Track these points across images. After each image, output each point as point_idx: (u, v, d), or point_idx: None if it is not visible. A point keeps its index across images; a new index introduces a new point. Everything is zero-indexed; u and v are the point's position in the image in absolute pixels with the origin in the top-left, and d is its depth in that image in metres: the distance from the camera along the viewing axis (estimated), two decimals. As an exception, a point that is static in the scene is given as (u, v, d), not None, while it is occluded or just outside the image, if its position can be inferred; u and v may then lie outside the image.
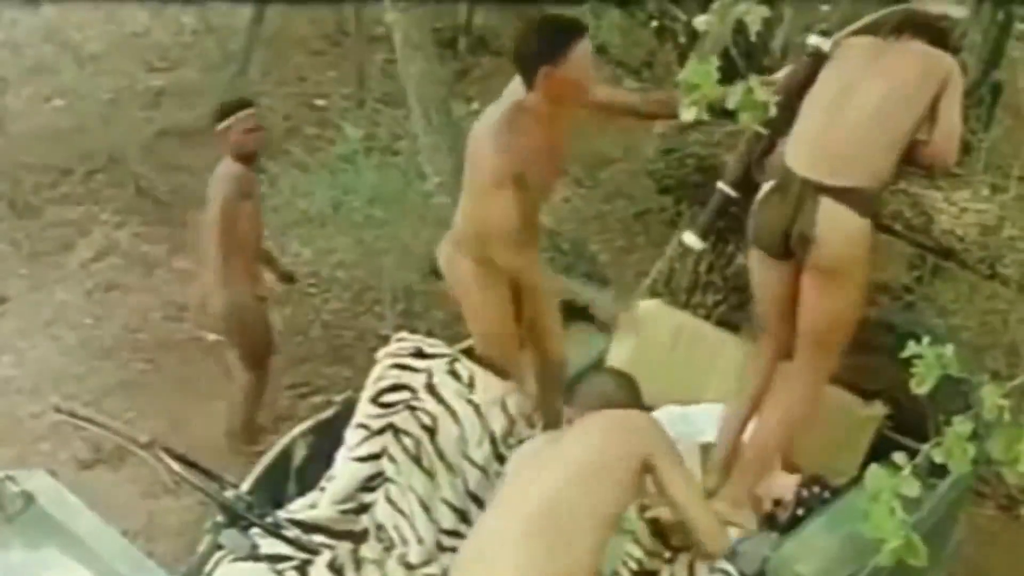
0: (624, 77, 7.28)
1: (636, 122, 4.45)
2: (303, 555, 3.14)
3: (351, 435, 3.51)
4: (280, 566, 3.09)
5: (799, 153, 3.43)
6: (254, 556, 3.03)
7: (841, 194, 3.31)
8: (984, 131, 5.45)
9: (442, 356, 3.62)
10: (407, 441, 3.43)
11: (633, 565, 3.19)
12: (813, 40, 3.51)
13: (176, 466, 2.97)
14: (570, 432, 3.15)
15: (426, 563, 3.33)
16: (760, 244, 3.53)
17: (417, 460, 3.42)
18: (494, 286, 3.52)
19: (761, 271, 3.59)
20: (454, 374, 3.56)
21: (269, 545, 3.08)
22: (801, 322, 3.49)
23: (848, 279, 3.37)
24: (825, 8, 6.59)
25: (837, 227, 3.31)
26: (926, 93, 3.44)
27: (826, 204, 3.31)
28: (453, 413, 3.48)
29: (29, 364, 5.87)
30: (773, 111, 2.50)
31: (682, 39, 5.10)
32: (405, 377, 3.55)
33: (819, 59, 3.57)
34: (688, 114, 2.48)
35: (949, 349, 2.16)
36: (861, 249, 3.36)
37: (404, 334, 3.74)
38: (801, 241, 3.37)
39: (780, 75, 3.71)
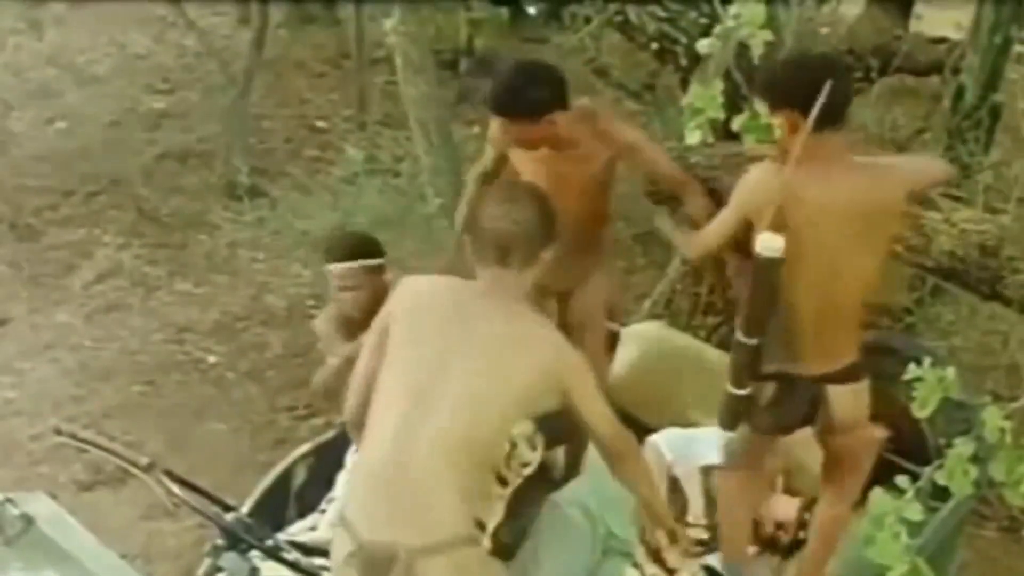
0: (625, 100, 7.31)
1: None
2: (303, 578, 3.13)
3: (352, 458, 3.50)
4: (280, 589, 3.09)
5: (799, 354, 3.17)
6: (254, 579, 3.02)
7: (842, 375, 3.19)
8: (983, 153, 5.47)
9: None
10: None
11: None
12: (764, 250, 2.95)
13: (176, 488, 2.97)
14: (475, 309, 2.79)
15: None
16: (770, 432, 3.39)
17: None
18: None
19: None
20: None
21: (269, 568, 3.07)
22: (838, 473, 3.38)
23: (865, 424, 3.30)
24: (825, 31, 6.64)
25: (849, 403, 3.22)
26: None
27: (835, 391, 3.19)
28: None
29: (29, 386, 5.86)
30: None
31: (684, 62, 5.11)
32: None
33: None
34: (692, 137, 2.49)
35: (950, 372, 2.15)
36: (867, 398, 3.27)
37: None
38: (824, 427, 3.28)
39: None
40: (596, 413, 2.82)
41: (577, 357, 2.82)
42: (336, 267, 3.68)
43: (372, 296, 3.59)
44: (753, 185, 3.01)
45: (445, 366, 2.69)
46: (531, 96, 3.35)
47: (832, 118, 2.87)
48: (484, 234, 2.80)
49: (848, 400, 3.17)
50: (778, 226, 2.86)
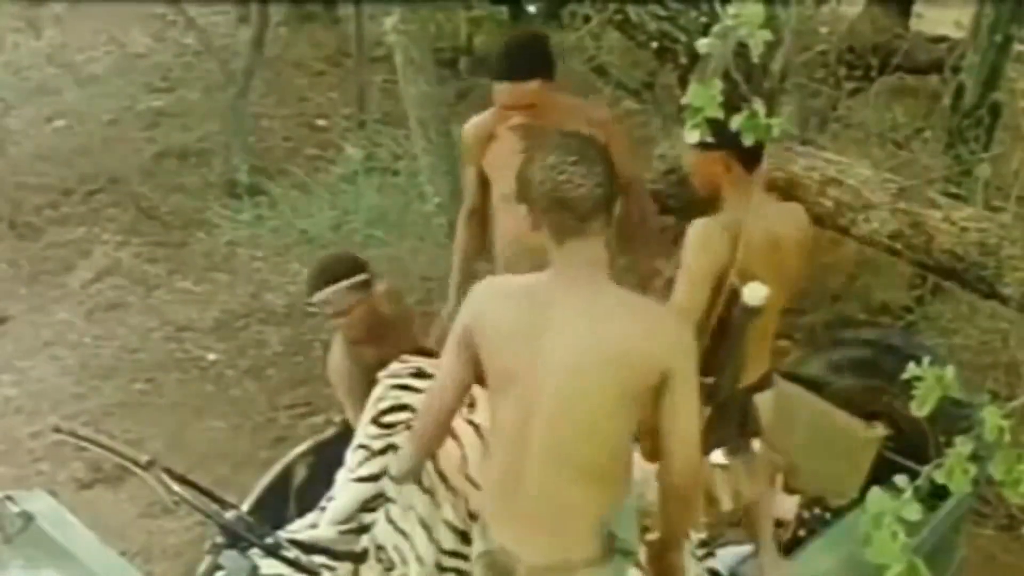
0: (624, 98, 7.30)
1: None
2: (303, 576, 3.14)
3: (352, 456, 3.50)
4: (280, 587, 3.09)
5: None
6: (254, 577, 3.02)
7: (762, 383, 3.25)
8: (983, 151, 5.47)
9: None
10: (407, 462, 3.43)
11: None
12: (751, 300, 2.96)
13: (176, 486, 2.96)
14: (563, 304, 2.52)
15: (426, 584, 3.33)
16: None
17: (418, 480, 3.41)
18: None
19: None
20: (454, 394, 3.56)
21: (269, 566, 3.07)
22: None
23: None
24: (824, 30, 6.64)
25: (770, 408, 3.28)
26: None
27: (761, 398, 3.25)
28: (454, 434, 3.47)
29: (29, 384, 5.86)
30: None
31: (683, 60, 5.12)
32: (406, 397, 3.54)
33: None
34: (691, 137, 2.49)
35: (949, 371, 2.15)
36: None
37: (404, 355, 3.74)
38: None
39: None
40: (686, 416, 2.52)
41: (687, 335, 2.56)
42: (320, 295, 3.53)
43: (368, 312, 3.54)
44: (709, 243, 2.98)
45: (536, 369, 2.47)
46: (519, 58, 3.63)
47: (756, 158, 2.99)
48: (562, 203, 2.42)
49: (769, 405, 3.23)
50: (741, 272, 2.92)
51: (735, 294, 2.81)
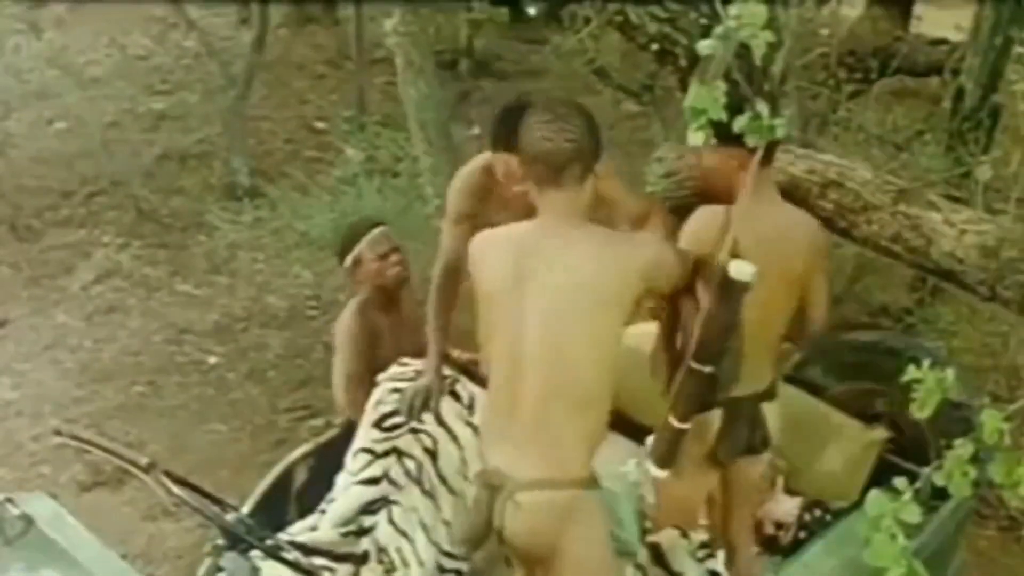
0: (624, 100, 7.31)
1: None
2: (303, 578, 3.14)
3: (353, 460, 3.50)
4: (280, 589, 3.09)
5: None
6: (255, 579, 3.02)
7: (768, 393, 3.24)
8: (983, 154, 5.47)
9: (443, 377, 3.61)
10: (409, 464, 3.43)
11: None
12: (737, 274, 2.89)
13: (176, 489, 2.96)
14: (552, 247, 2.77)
15: (426, 585, 3.33)
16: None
17: (419, 483, 3.42)
18: None
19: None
20: (455, 395, 3.56)
21: (269, 568, 3.07)
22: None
23: None
24: (824, 32, 6.64)
25: (777, 418, 3.25)
26: None
27: (769, 408, 3.22)
28: (454, 436, 3.48)
29: (29, 387, 5.87)
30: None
31: (683, 62, 5.11)
32: (405, 401, 3.55)
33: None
34: (695, 139, 2.49)
35: (949, 373, 2.15)
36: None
37: (404, 358, 3.74)
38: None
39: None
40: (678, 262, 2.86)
41: (660, 250, 2.87)
42: (371, 237, 3.97)
43: (379, 272, 3.98)
44: (698, 228, 3.12)
45: (522, 307, 2.73)
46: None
47: (769, 155, 3.01)
48: (537, 157, 2.74)
49: (775, 415, 3.21)
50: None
51: (725, 279, 2.81)
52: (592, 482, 2.78)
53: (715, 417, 3.12)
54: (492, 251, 2.87)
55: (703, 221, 3.13)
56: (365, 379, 3.77)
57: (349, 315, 4.04)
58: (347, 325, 4.03)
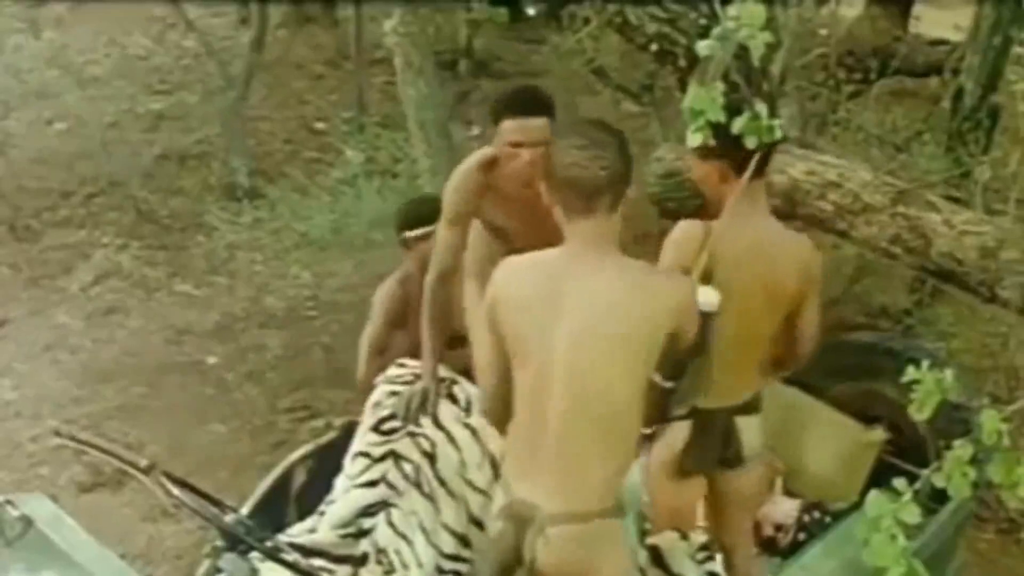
0: (623, 101, 7.31)
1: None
2: (302, 579, 3.14)
3: (352, 464, 3.50)
4: (279, 590, 3.09)
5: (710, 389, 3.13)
6: (254, 580, 3.02)
7: (748, 407, 3.21)
8: (983, 154, 5.47)
9: (440, 380, 3.61)
10: (407, 467, 3.43)
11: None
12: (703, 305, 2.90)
13: (175, 490, 2.96)
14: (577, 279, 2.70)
15: (426, 587, 3.33)
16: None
17: (418, 485, 3.41)
18: None
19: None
20: (452, 397, 3.56)
21: (268, 569, 3.07)
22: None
23: None
24: (823, 32, 6.64)
25: (755, 433, 3.22)
26: None
27: (744, 422, 3.19)
28: (452, 439, 3.47)
29: (29, 388, 5.87)
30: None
31: (682, 63, 5.11)
32: (403, 403, 3.55)
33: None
34: (694, 140, 2.49)
35: (949, 374, 2.15)
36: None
37: (403, 360, 3.74)
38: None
39: None
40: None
41: (687, 293, 2.74)
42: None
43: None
44: (681, 242, 3.03)
45: (551, 335, 2.64)
46: (529, 96, 3.45)
47: (761, 167, 2.92)
48: (567, 182, 2.62)
49: (755, 429, 3.18)
50: (706, 276, 2.89)
51: None
52: (619, 510, 2.74)
53: (682, 426, 3.10)
54: (518, 275, 2.77)
55: (688, 232, 3.05)
56: (385, 355, 3.91)
57: (391, 281, 4.21)
58: (387, 290, 4.20)
